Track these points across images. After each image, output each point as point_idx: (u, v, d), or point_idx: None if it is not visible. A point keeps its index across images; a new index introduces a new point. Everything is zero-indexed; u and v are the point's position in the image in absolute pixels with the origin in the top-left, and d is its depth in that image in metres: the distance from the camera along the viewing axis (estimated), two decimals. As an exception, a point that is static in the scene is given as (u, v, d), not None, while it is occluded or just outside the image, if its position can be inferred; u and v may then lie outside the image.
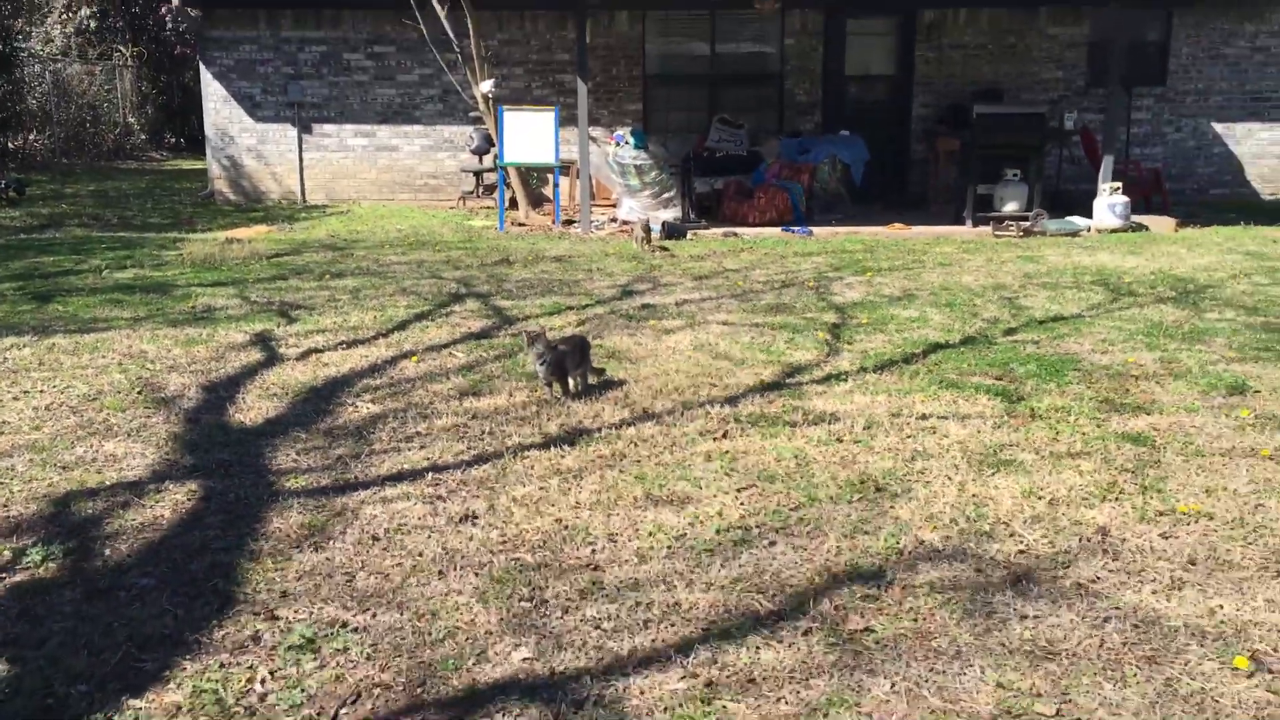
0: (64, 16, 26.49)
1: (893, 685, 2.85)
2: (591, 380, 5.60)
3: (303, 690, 2.86)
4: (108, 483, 4.33)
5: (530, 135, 12.91)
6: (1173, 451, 4.61)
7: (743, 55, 15.77)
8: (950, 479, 4.30)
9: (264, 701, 2.81)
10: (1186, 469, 4.40)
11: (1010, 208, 12.76)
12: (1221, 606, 3.25)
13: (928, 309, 7.68)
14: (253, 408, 5.35)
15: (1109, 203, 12.27)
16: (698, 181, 13.90)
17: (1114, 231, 12.09)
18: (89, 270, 9.57)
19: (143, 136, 28.20)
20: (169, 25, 26.26)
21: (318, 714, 2.76)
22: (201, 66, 15.93)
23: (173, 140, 29.57)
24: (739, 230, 12.57)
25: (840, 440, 4.78)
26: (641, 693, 2.83)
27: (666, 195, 13.48)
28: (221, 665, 2.98)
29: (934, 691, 2.82)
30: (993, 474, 4.36)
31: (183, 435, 4.93)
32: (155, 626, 3.19)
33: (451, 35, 13.70)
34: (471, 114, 15.16)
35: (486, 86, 13.74)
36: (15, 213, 14.70)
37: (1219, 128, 15.57)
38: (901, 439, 4.79)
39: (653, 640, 3.09)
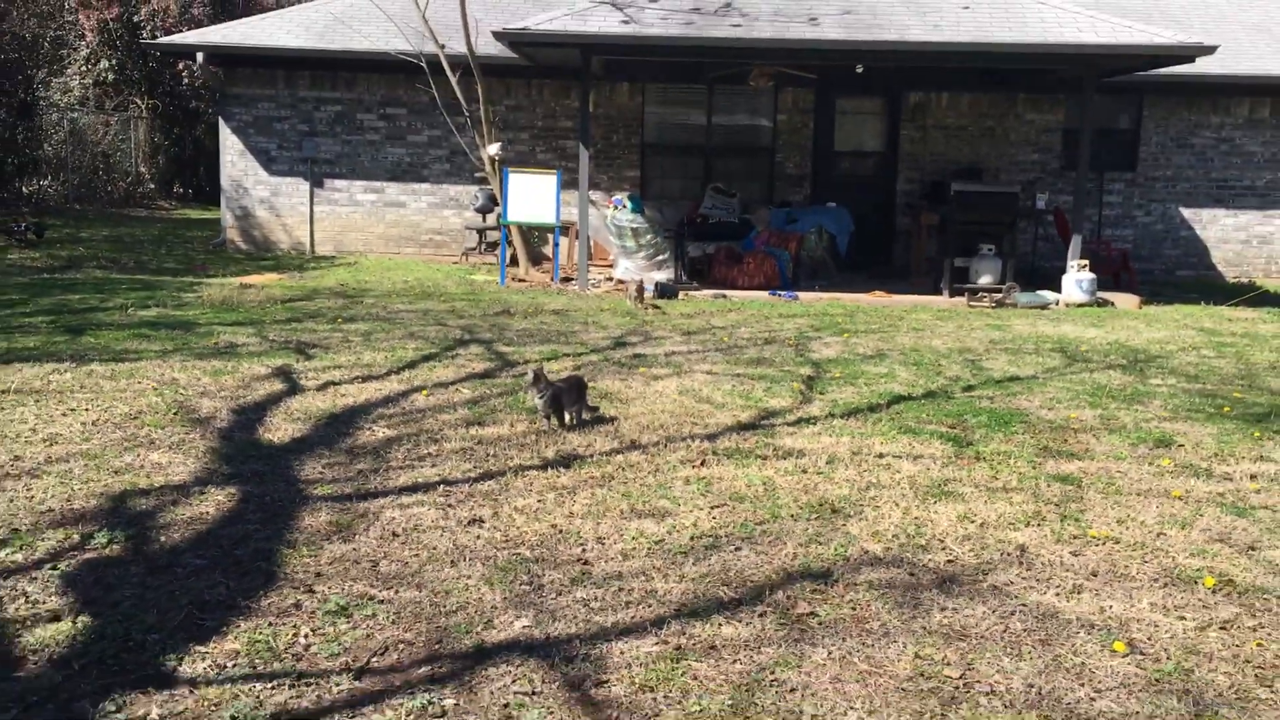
0: (84, 68, 27.41)
1: (829, 654, 3.45)
2: (585, 416, 6.21)
3: (339, 644, 3.44)
4: (156, 485, 4.92)
5: (533, 196, 13.67)
6: (1095, 490, 5.23)
7: (737, 127, 16.62)
8: (897, 505, 4.91)
9: (308, 650, 3.39)
10: (1104, 504, 5.02)
11: (985, 280, 13.48)
12: (1111, 606, 3.86)
13: (896, 366, 8.32)
14: (279, 429, 5.95)
15: (1076, 279, 13.01)
16: (690, 246, 14.63)
17: (1080, 306, 12.80)
18: (114, 308, 10.20)
19: (152, 186, 28.99)
20: (185, 80, 27.17)
21: (353, 661, 3.33)
22: (220, 121, 16.73)
23: (181, 190, 30.37)
24: (728, 293, 13.26)
25: (805, 471, 5.39)
26: (621, 654, 3.41)
27: (660, 258, 14.18)
28: (270, 624, 3.56)
29: (863, 659, 3.42)
30: (935, 502, 4.97)
31: (219, 449, 5.52)
32: (211, 595, 3.77)
33: (462, 100, 14.49)
34: (477, 174, 15.91)
35: (494, 149, 14.51)
36: (35, 254, 15.36)
37: (1186, 212, 16.39)
38: (859, 472, 5.40)
39: (632, 616, 3.68)
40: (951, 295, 13.34)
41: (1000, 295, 13.01)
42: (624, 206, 14.50)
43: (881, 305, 12.57)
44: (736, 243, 14.68)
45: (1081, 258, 13.22)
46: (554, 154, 16.35)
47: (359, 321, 9.84)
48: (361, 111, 16.45)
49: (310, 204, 16.62)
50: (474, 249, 16.31)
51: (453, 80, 14.29)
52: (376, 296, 11.72)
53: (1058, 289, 13.24)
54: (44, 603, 3.65)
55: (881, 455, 5.72)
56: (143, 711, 2.99)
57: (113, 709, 3.00)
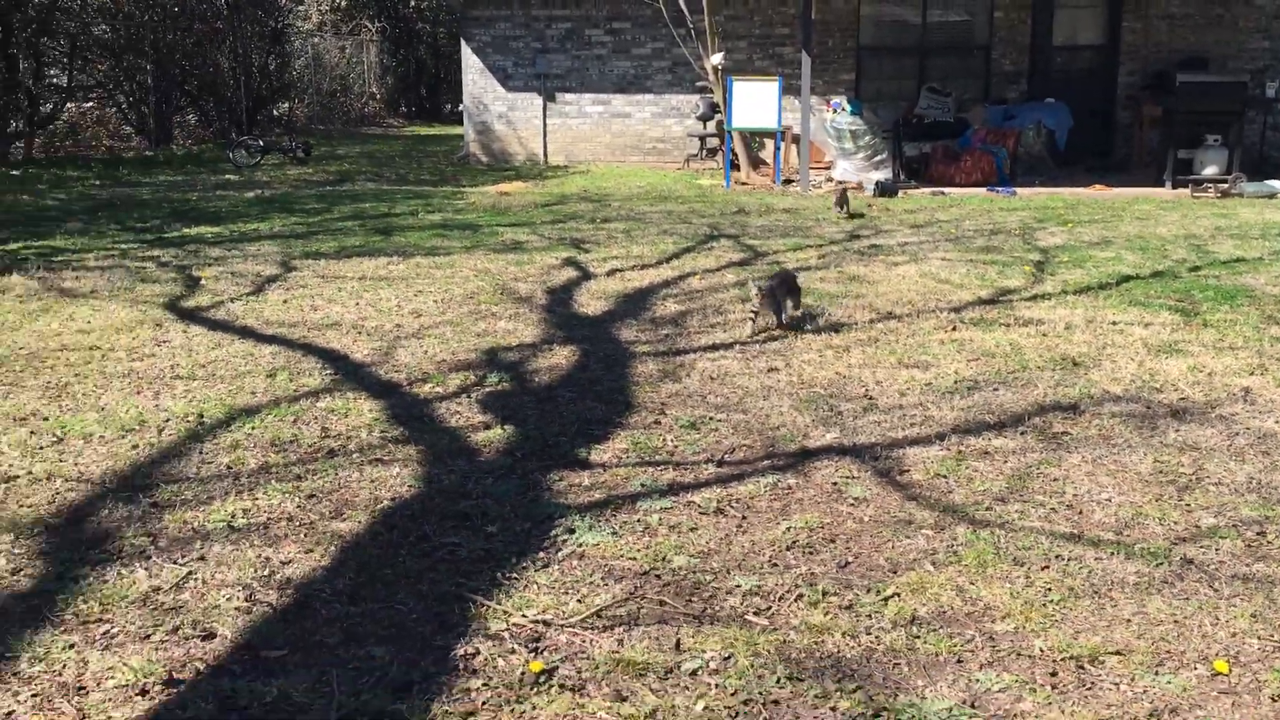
0: (322, -3, 29.51)
1: (1082, 458, 4.37)
2: (797, 314, 6.59)
3: (697, 446, 4.58)
4: (513, 344, 6.20)
5: (756, 103, 14.51)
6: (1316, 349, 5.89)
7: (952, 26, 16.90)
8: (1131, 359, 5.71)
9: (675, 450, 4.55)
10: (1324, 359, 5.69)
11: (1210, 171, 13.58)
12: (1325, 430, 4.63)
13: (1122, 251, 8.91)
14: (588, 305, 7.17)
15: (1307, 167, 12.97)
16: (906, 145, 15.20)
17: (1310, 194, 12.80)
18: (403, 214, 11.71)
19: (381, 105, 31.11)
20: (411, 3, 28.94)
21: (710, 456, 4.47)
22: (462, 42, 18.15)
23: (406, 109, 32.43)
24: (946, 190, 13.83)
25: (1045, 335, 6.23)
26: (914, 456, 4.43)
27: (878, 158, 14.83)
28: (641, 434, 4.73)
29: (1111, 461, 4.33)
30: (1166, 357, 5.75)
31: (548, 319, 6.78)
32: (590, 415, 4.98)
33: (686, 12, 15.37)
34: (698, 84, 16.81)
35: (716, 59, 15.37)
36: (309, 169, 17.25)
37: None
38: (1094, 335, 6.20)
39: (917, 433, 4.69)
40: (1175, 187, 13.51)
41: (1226, 185, 13.11)
42: (843, 109, 15.16)
43: (1102, 198, 12.92)
44: (953, 141, 15.16)
45: (1313, 146, 13.15)
46: (771, 61, 17.05)
47: (614, 221, 11.02)
48: (589, 27, 17.52)
49: (543, 117, 17.91)
50: (695, 155, 17.29)
51: (677, -7, 15.16)
52: (620, 200, 12.89)
53: (1287, 178, 13.22)
54: (474, 418, 4.94)
55: (1114, 323, 6.48)
56: (578, 480, 4.21)
57: (556, 478, 4.23)
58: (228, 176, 16.17)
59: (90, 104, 22.32)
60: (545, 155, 17.94)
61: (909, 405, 5.05)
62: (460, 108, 34.66)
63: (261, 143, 18.30)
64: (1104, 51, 16.54)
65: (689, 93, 17.31)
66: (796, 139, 16.01)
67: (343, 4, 29.83)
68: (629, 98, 17.69)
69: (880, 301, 7.14)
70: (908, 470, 4.28)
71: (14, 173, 16.65)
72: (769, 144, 16.14)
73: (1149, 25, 16.11)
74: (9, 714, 2.68)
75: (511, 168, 17.53)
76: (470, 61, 17.98)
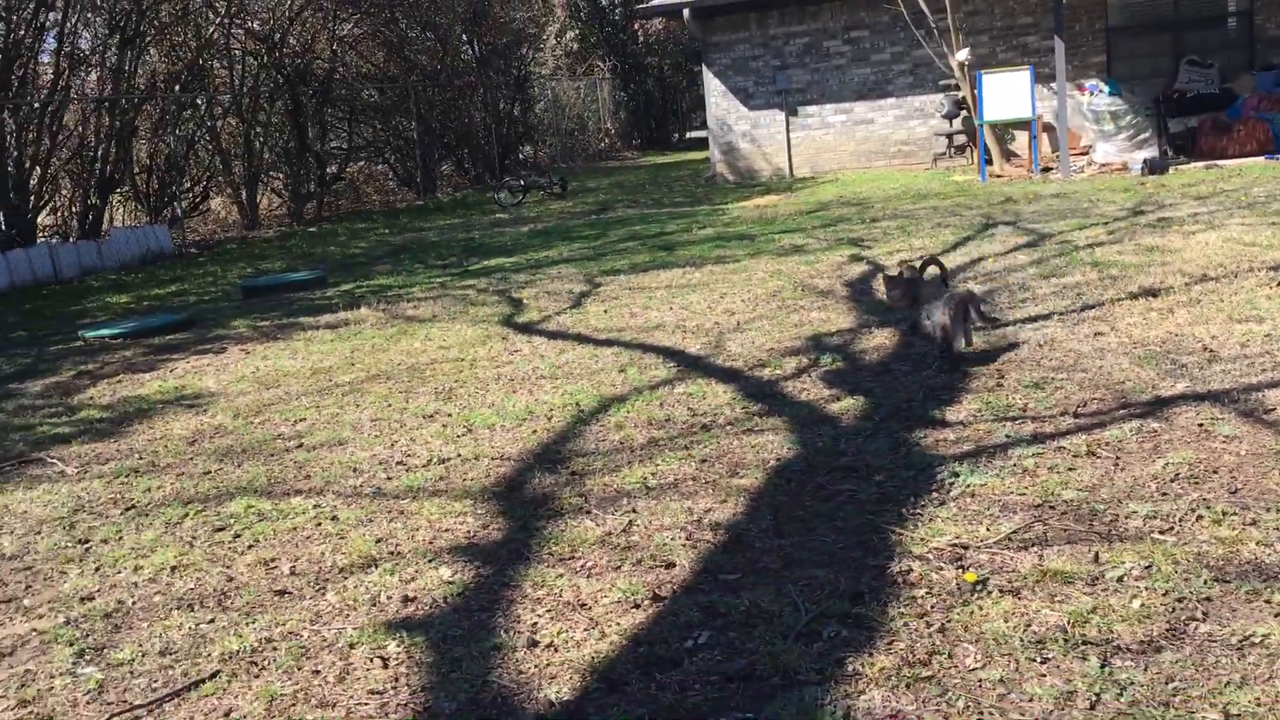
0: (555, 41, 31.08)
1: None
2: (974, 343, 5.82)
3: (1047, 402, 4.80)
4: (831, 330, 6.58)
5: (1007, 94, 14.42)
6: None
7: (1207, -3, 16.26)
8: None
9: (1026, 407, 4.79)
10: None
11: None
12: None
13: None
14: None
15: None
16: (1170, 122, 14.71)
17: None
18: (675, 231, 12.34)
19: (616, 139, 32.38)
20: (640, 39, 30.07)
21: (1064, 410, 4.69)
22: (703, 68, 18.83)
23: (637, 142, 33.60)
24: (1220, 162, 13.33)
25: (1381, 284, 6.09)
26: (1275, 397, 4.51)
27: (1141, 137, 14.43)
28: (989, 394, 5.00)
29: None
30: None
31: (855, 308, 7.13)
32: (933, 383, 5.29)
33: (927, 12, 15.46)
34: (941, 83, 16.83)
35: (962, 55, 15.36)
36: (569, 203, 18.27)
37: None
38: None
39: (1271, 377, 4.75)
40: None
41: None
42: (1100, 91, 14.85)
43: (1401, 153, 12.15)
44: (1220, 112, 14.57)
45: None
46: (1015, 52, 16.87)
47: (882, 220, 11.27)
48: (827, 39, 17.85)
49: (786, 131, 18.33)
50: (942, 154, 17.27)
51: (918, -6, 15.28)
52: (880, 202, 13.10)
53: None
54: (821, 393, 5.34)
55: None
56: (942, 436, 4.52)
57: (921, 435, 4.56)
58: (497, 215, 17.36)
59: (362, 162, 24.34)
60: (790, 168, 18.34)
61: (1254, 355, 5.11)
62: (689, 135, 35.81)
63: (522, 182, 19.51)
64: (1385, 1, 15.51)
65: (931, 92, 17.34)
66: (1047, 127, 15.79)
67: (574, 46, 31.30)
68: (870, 104, 17.88)
69: (1189, 267, 7.11)
70: (1273, 410, 4.38)
71: (311, 229, 18.44)
72: (1018, 136, 15.97)
73: None
74: (534, 625, 3.24)
75: (759, 183, 18.01)
76: (712, 85, 18.63)
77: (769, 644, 2.97)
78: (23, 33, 14.94)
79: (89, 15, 15.81)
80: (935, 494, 3.91)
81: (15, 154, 14.65)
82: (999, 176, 14.86)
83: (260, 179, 19.80)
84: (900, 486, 4.02)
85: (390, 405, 5.89)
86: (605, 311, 7.90)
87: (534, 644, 3.12)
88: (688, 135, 36.22)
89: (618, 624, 3.18)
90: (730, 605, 3.22)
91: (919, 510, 3.78)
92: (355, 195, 23.17)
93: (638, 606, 3.28)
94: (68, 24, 15.52)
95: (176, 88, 17.50)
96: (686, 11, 17.88)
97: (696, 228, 12.42)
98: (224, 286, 12.12)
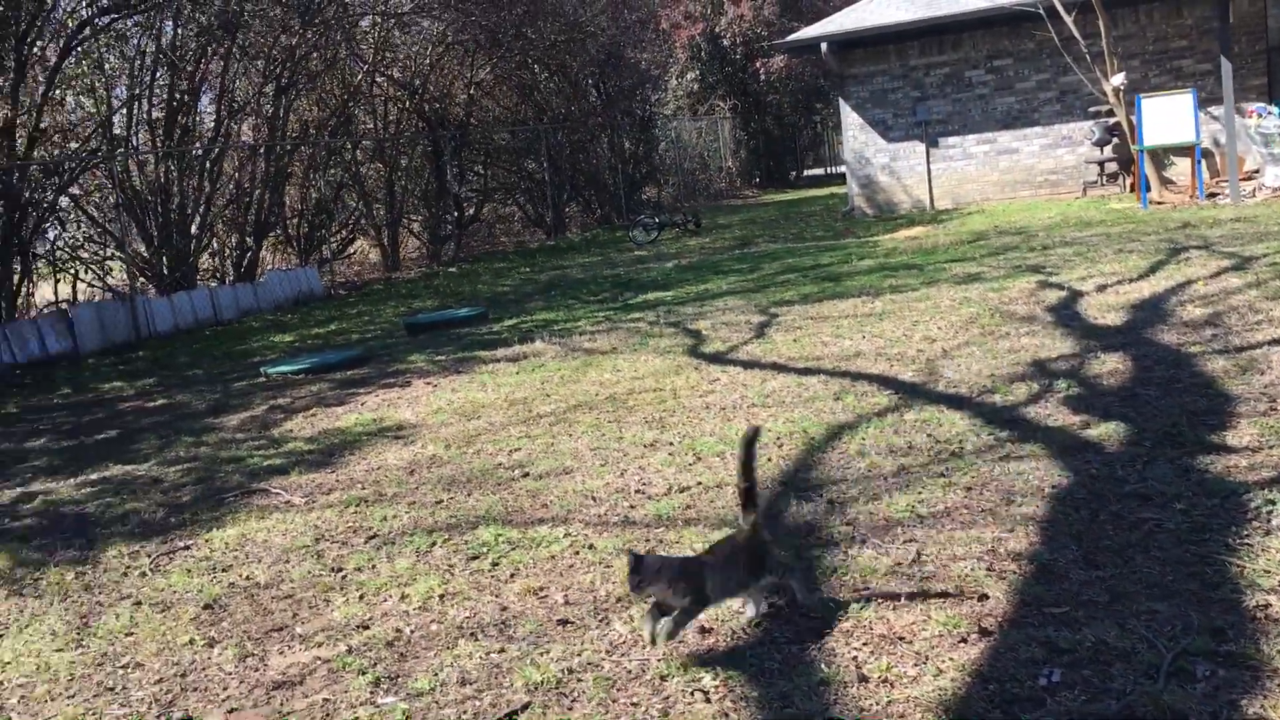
0: (676, 82, 31.22)
1: None
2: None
3: (1337, 427, 4.44)
4: (1051, 356, 6.27)
5: (1167, 119, 13.92)
6: None
7: (1380, 11, 15.50)
8: None
9: (1315, 431, 4.43)
10: None
11: None
12: None
13: None
14: (1101, 317, 7.12)
15: None
16: (1346, 142, 14.01)
17: None
18: (833, 263, 12.10)
19: (736, 178, 32.31)
20: (762, 77, 30.02)
21: (1361, 435, 4.32)
22: (840, 101, 18.64)
23: (757, 179, 33.47)
24: None
25: None
26: None
27: (1316, 158, 13.75)
28: (1263, 418, 4.64)
29: None
30: None
31: (1070, 332, 6.80)
32: (1194, 407, 4.94)
33: (1078, 37, 15.03)
34: (1090, 110, 16.33)
35: (1118, 80, 14.87)
36: (705, 239, 18.16)
37: None
38: None
39: None
40: None
41: None
42: (1270, 113, 14.22)
43: None
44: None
45: None
46: (1169, 76, 16.29)
47: (1054, 248, 10.86)
48: (969, 69, 17.50)
49: (927, 163, 17.98)
50: (1093, 182, 16.72)
51: (1068, 20, 14.87)
52: (1041, 230, 12.67)
53: None
54: (1068, 419, 5.04)
55: None
56: (1231, 463, 4.19)
57: (1207, 462, 4.23)
58: (635, 253, 17.33)
59: (493, 204, 24.66)
60: (931, 200, 17.97)
61: None
62: (805, 172, 35.59)
63: (657, 219, 19.49)
64: None
65: (1079, 119, 16.85)
66: (1205, 153, 15.17)
67: (695, 87, 31.39)
68: (1015, 133, 17.44)
69: None
70: None
71: (451, 269, 18.68)
72: (1177, 162, 15.39)
73: None
74: (855, 659, 3.02)
75: (900, 216, 17.67)
76: (850, 119, 18.41)
77: (1137, 683, 2.71)
78: (185, 85, 15.48)
79: (246, 65, 16.32)
80: (1255, 523, 3.60)
81: (178, 200, 15.12)
82: (1160, 203, 14.30)
83: (401, 221, 20.17)
84: (1210, 515, 3.71)
85: (604, 434, 5.76)
86: (795, 341, 7.70)
87: (864, 679, 2.90)
88: (804, 173, 36.01)
89: (950, 659, 2.95)
90: (1072, 641, 2.96)
91: (1245, 540, 3.47)
92: (489, 236, 23.48)
93: (965, 641, 3.04)
94: (227, 75, 16.04)
95: (325, 134, 17.95)
96: (824, 46, 17.72)
97: (855, 259, 12.16)
98: (382, 324, 12.26)
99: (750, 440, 3.35)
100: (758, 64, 29.64)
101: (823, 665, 3.00)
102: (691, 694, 2.93)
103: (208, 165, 15.68)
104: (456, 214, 21.20)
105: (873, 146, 18.37)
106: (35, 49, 14.03)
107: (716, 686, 2.96)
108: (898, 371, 6.37)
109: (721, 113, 31.84)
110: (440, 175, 20.39)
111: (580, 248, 19.84)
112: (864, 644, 3.10)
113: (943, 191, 18.00)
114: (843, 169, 21.52)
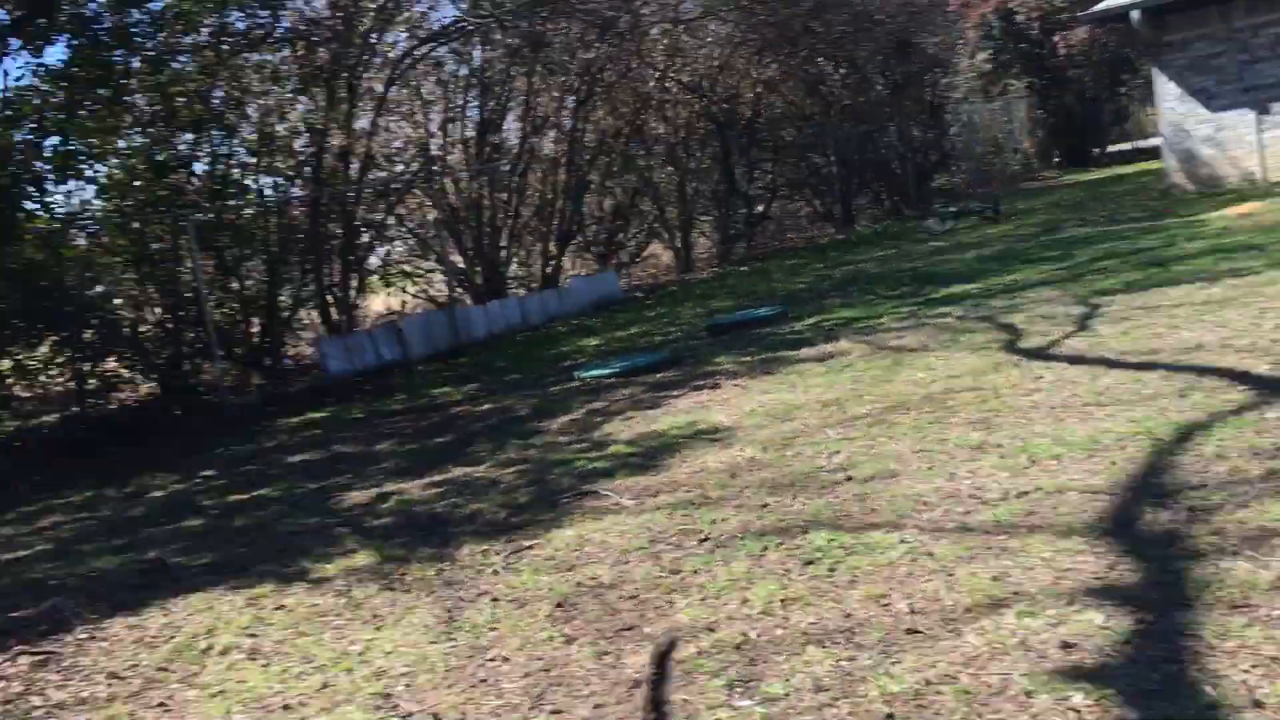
0: (966, 64, 30.09)
1: None
2: None
3: None
4: None
5: None
6: None
7: None
8: None
9: None
10: None
11: None
12: None
13: None
14: None
15: None
16: None
17: None
18: (1155, 246, 11.27)
19: (1033, 159, 30.74)
20: (1061, 52, 28.41)
21: None
22: (1154, 71, 17.35)
23: (1057, 159, 31.69)
24: None
25: None
26: None
27: None
28: None
29: None
30: None
31: None
32: None
33: None
34: None
35: None
36: (1006, 226, 17.38)
37: None
38: None
39: None
40: None
41: None
42: None
43: None
44: None
45: None
46: None
47: None
48: (1307, 24, 15.84)
49: (1257, 132, 16.41)
50: None
51: None
52: (1406, 199, 11.29)
53: None
54: None
55: None
56: None
57: None
58: (932, 244, 16.82)
59: (780, 200, 24.69)
60: (1264, 172, 16.39)
61: None
62: (1109, 149, 33.34)
63: (953, 208, 18.88)
64: None
65: None
66: None
67: (987, 67, 30.14)
68: (1365, 91, 15.64)
69: None
70: None
71: (742, 268, 18.85)
72: None
73: None
74: (1244, 682, 2.80)
75: (1226, 191, 16.22)
76: (1166, 89, 17.10)
77: None
78: (493, 104, 16.45)
79: (547, 81, 17.14)
80: None
81: (489, 214, 16.09)
82: None
83: (692, 223, 20.57)
84: None
85: (926, 436, 5.64)
86: (1124, 333, 7.24)
87: (1258, 704, 2.70)
88: (1108, 149, 33.75)
89: (1360, 688, 2.68)
90: None
91: None
92: (778, 233, 23.54)
93: (1375, 667, 2.76)
94: (530, 93, 16.91)
95: (621, 142, 18.57)
96: (1135, 13, 16.55)
97: (1181, 241, 11.29)
98: (682, 325, 12.52)
99: (664, 654, 2.78)
100: (1056, 38, 28.07)
101: (1206, 687, 2.80)
102: (1063, 712, 2.82)
103: (514, 179, 16.59)
104: (746, 212, 21.37)
105: (1193, 117, 16.97)
106: (364, 81, 15.33)
107: (1089, 706, 2.83)
108: (1250, 365, 5.86)
109: (1016, 91, 30.39)
110: (729, 175, 20.63)
111: (872, 241, 19.50)
112: (1253, 666, 2.87)
113: (1277, 163, 16.39)
114: (1152, 143, 20.05)
